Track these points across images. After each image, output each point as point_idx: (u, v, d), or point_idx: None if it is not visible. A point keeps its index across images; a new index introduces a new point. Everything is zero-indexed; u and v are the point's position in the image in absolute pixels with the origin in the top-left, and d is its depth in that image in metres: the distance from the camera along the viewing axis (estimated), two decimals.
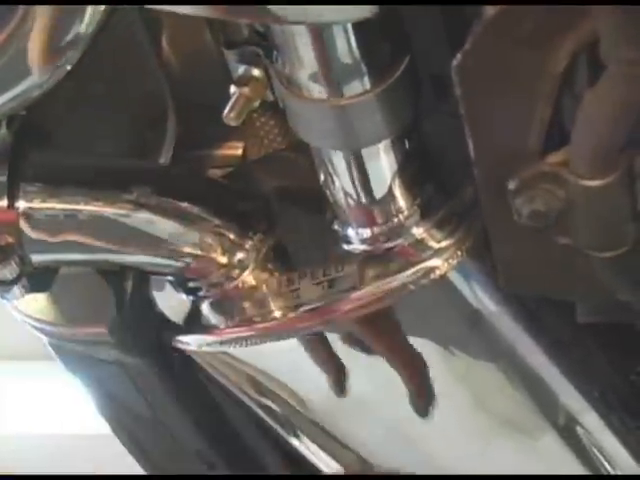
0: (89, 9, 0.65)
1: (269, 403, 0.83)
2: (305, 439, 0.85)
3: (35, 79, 0.68)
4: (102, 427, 0.92)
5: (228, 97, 0.75)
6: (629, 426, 0.83)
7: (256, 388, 0.83)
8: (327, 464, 0.87)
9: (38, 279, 0.75)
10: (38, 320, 0.81)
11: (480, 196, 0.67)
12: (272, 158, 0.83)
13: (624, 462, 0.83)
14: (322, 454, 0.86)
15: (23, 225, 0.72)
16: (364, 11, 0.61)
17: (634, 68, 0.57)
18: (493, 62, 0.62)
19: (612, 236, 0.64)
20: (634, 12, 0.55)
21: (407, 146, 0.72)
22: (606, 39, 0.56)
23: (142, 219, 0.75)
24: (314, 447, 0.86)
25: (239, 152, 0.84)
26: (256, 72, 0.71)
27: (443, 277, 0.73)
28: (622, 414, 0.82)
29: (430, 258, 0.73)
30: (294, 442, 0.86)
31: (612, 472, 0.83)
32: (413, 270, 0.73)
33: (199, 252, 0.76)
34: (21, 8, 0.65)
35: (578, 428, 0.82)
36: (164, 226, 0.75)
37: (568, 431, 0.82)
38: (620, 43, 0.56)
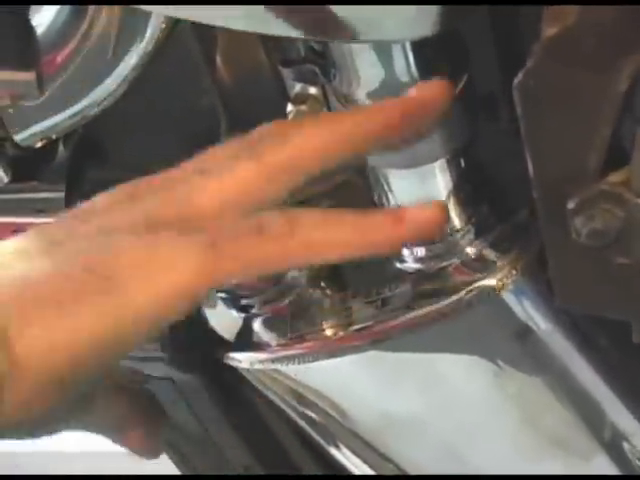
0: (150, 29, 0.66)
1: (313, 416, 0.83)
2: (347, 451, 0.85)
3: (94, 97, 0.69)
4: None
5: (278, 113, 0.76)
6: None
7: (300, 401, 0.82)
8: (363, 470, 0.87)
9: None
10: None
11: (539, 215, 0.67)
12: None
13: None
14: (365, 467, 0.86)
15: None
16: (425, 29, 0.62)
17: None
18: (554, 82, 0.61)
19: None
20: None
21: (463, 165, 0.71)
22: None
23: None
24: (357, 460, 0.86)
25: None
26: (313, 90, 0.70)
27: (499, 296, 0.73)
28: None
29: (484, 277, 0.72)
30: (338, 455, 0.86)
31: None
32: (467, 289, 0.72)
33: None
34: (84, 24, 0.66)
35: (629, 449, 0.81)
36: None
37: (618, 452, 0.81)
38: None
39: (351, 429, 0.81)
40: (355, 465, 0.84)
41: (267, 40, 0.75)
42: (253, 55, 0.80)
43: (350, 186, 0.80)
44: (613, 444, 0.80)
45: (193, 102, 0.81)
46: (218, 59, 0.81)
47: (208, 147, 0.76)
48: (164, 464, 0.92)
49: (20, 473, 2.32)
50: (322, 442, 0.84)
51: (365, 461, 0.84)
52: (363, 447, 0.82)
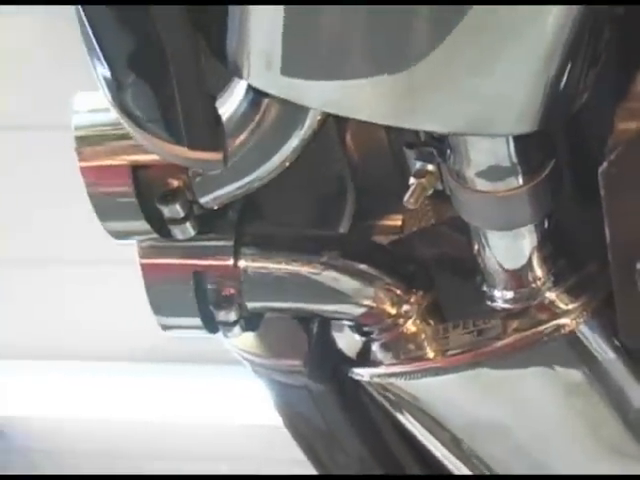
0: (309, 119, 0.65)
1: (417, 421, 0.82)
2: (444, 450, 0.84)
3: (261, 172, 0.68)
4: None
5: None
6: None
7: (408, 408, 0.81)
8: (456, 468, 0.86)
9: (250, 321, 0.75)
10: (247, 352, 0.81)
11: (612, 271, 0.67)
12: (427, 231, 0.83)
13: None
14: (456, 461, 0.85)
15: (243, 280, 0.73)
16: (525, 127, 0.62)
17: None
18: (632, 170, 0.62)
19: None
20: None
21: (546, 227, 0.71)
22: None
23: (330, 277, 0.75)
24: (452, 458, 0.84)
25: (399, 223, 0.84)
26: (430, 167, 0.69)
27: (572, 333, 0.72)
28: None
29: (560, 317, 0.72)
30: (434, 452, 0.85)
31: None
32: (546, 326, 0.72)
33: (373, 304, 0.75)
34: (258, 115, 0.65)
35: None
36: (347, 283, 0.75)
37: None
38: None
39: (447, 431, 0.80)
40: (450, 461, 0.83)
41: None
42: (376, 135, 0.81)
43: (448, 239, 0.80)
44: None
45: (327, 170, 0.81)
46: (348, 136, 0.81)
47: (337, 208, 0.77)
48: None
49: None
50: (423, 441, 0.83)
51: (458, 458, 0.82)
52: (456, 447, 0.81)
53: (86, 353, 1.98)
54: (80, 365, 2.03)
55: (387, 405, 0.80)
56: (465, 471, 0.83)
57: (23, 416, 2.15)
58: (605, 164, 0.61)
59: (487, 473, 0.81)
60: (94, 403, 2.07)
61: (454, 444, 0.81)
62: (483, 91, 0.58)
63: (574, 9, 0.56)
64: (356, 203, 0.82)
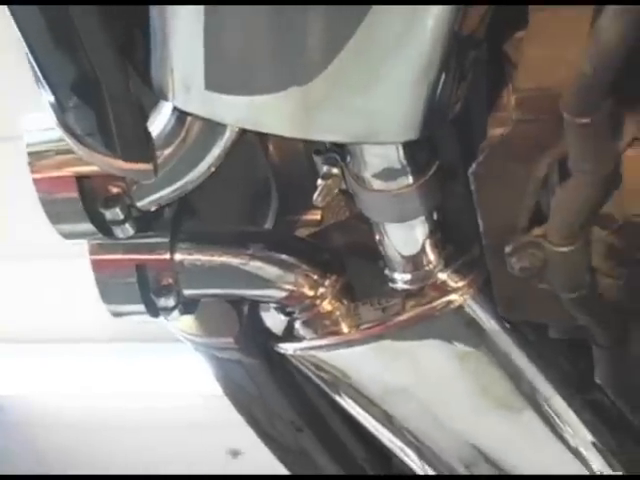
0: (228, 131, 0.70)
1: (337, 386, 0.87)
2: (360, 410, 0.88)
3: (190, 177, 0.73)
4: None
5: (312, 184, 0.80)
6: (582, 402, 0.86)
7: (328, 376, 0.86)
8: (374, 427, 0.90)
9: (188, 306, 0.80)
10: (187, 333, 0.86)
11: (486, 255, 0.73)
12: (341, 223, 0.87)
13: (579, 430, 0.86)
14: (369, 418, 0.89)
15: (179, 271, 0.78)
16: (407, 135, 0.67)
17: (589, 176, 0.62)
18: (497, 170, 0.67)
19: (575, 283, 0.68)
20: (593, 138, 0.60)
21: (435, 218, 0.77)
22: (572, 156, 0.62)
23: (256, 266, 0.80)
24: (366, 415, 0.89)
25: (318, 218, 0.88)
26: (335, 170, 0.75)
27: (461, 307, 0.78)
28: (580, 398, 0.86)
29: (450, 294, 0.78)
30: (350, 410, 0.89)
31: (569, 432, 0.86)
32: (438, 302, 0.78)
33: (294, 288, 0.81)
34: (183, 130, 0.70)
35: (548, 406, 0.85)
36: (271, 271, 0.80)
37: (542, 411, 0.85)
38: (581, 159, 0.61)
39: (363, 395, 0.86)
40: (364, 418, 0.89)
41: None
42: (293, 143, 0.85)
43: (358, 231, 0.85)
44: (537, 404, 0.84)
45: (252, 174, 0.86)
46: (270, 146, 0.86)
47: (263, 206, 0.81)
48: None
49: None
50: (343, 404, 0.89)
51: (374, 417, 0.88)
52: (372, 407, 0.87)
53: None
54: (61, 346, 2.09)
55: (312, 375, 0.85)
56: (381, 427, 0.88)
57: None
58: (474, 165, 0.67)
59: (402, 432, 0.86)
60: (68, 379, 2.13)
61: (370, 405, 0.86)
62: (369, 106, 0.64)
63: (443, 37, 0.62)
64: (280, 201, 0.87)
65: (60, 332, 2.07)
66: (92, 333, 2.03)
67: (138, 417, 2.17)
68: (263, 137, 0.85)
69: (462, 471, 0.90)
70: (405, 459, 0.93)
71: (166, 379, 2.12)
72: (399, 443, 0.90)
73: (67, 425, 2.21)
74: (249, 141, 0.82)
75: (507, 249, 0.69)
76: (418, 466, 0.93)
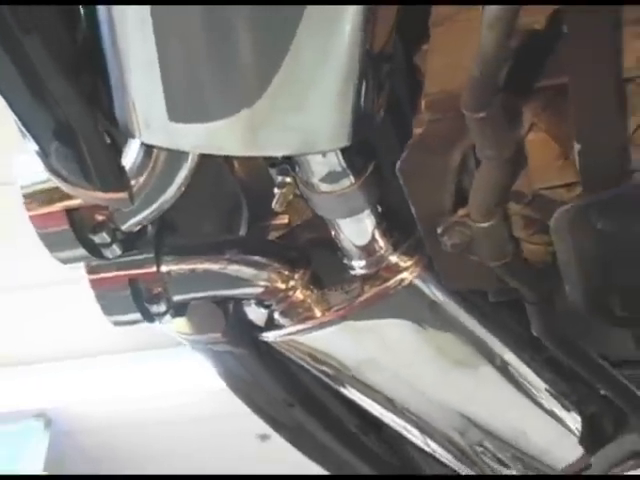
0: (191, 155, 0.76)
1: (318, 363, 0.93)
2: (348, 387, 0.95)
3: (164, 199, 0.79)
4: None
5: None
6: (536, 359, 0.91)
7: (308, 355, 0.92)
8: (359, 398, 0.96)
9: (179, 309, 0.87)
10: (182, 333, 0.93)
11: (423, 236, 0.78)
12: (306, 222, 0.93)
13: (534, 381, 0.92)
14: (354, 391, 0.96)
15: (167, 280, 0.85)
16: (340, 143, 0.72)
17: (494, 161, 0.68)
18: (419, 162, 0.73)
19: (499, 253, 0.74)
20: (491, 129, 0.66)
21: (380, 210, 0.83)
22: (478, 146, 0.68)
23: (233, 269, 0.87)
24: (353, 390, 0.95)
25: (286, 221, 0.94)
26: (288, 179, 0.81)
27: (411, 284, 0.84)
28: (532, 353, 0.92)
29: (401, 273, 0.84)
30: (342, 390, 0.96)
31: (529, 386, 0.91)
32: (391, 281, 0.84)
33: (268, 284, 0.87)
34: (152, 160, 0.76)
35: (502, 361, 0.91)
36: (246, 271, 0.87)
37: (499, 367, 0.91)
38: (485, 147, 0.67)
39: (341, 369, 0.92)
40: (351, 392, 0.94)
41: None
42: (255, 160, 0.91)
43: (320, 228, 0.91)
44: (492, 360, 0.90)
45: (222, 190, 0.92)
46: (235, 163, 0.92)
47: (235, 217, 0.86)
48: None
49: None
50: (324, 377, 0.95)
51: (352, 386, 0.94)
52: (350, 378, 0.93)
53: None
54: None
55: (293, 356, 0.92)
56: (364, 397, 0.94)
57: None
58: (399, 162, 0.73)
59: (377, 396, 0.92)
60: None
61: (349, 378, 0.93)
62: (304, 122, 0.70)
63: (357, 55, 0.67)
64: (250, 211, 0.93)
65: (81, 348, 2.14)
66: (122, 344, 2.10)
67: (174, 413, 2.25)
68: (228, 157, 0.91)
69: (458, 439, 0.97)
70: (409, 437, 0.99)
71: (198, 378, 2.19)
72: (401, 422, 0.96)
73: (110, 427, 2.29)
74: (216, 162, 0.88)
75: (439, 230, 0.75)
76: (421, 441, 0.99)
